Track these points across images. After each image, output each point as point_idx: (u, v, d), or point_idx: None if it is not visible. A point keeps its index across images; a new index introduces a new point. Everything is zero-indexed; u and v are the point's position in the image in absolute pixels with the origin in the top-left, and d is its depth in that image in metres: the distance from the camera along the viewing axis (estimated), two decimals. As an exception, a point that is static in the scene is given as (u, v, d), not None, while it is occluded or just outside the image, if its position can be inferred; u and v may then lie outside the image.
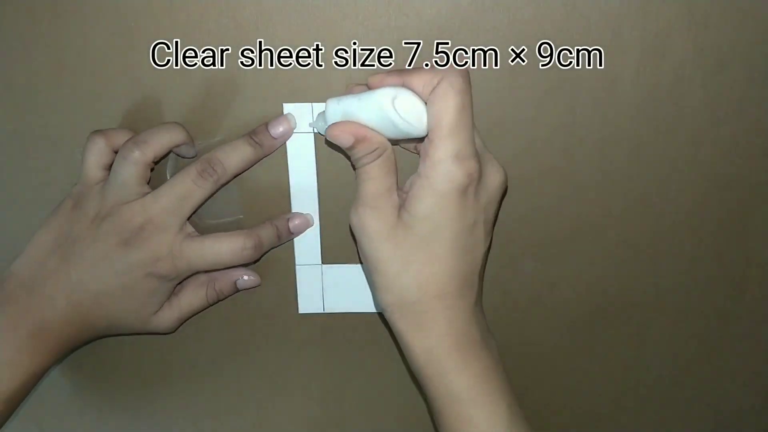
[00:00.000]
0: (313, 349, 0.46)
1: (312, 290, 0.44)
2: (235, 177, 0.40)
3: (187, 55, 0.39)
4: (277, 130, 0.40)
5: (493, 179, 0.36)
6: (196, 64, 0.40)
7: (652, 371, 0.46)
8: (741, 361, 0.46)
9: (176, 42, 0.39)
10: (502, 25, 0.39)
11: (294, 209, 0.42)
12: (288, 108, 0.40)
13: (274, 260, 0.43)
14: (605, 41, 0.39)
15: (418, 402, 0.47)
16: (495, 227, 0.42)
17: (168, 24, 0.39)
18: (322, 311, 0.45)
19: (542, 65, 0.39)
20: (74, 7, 0.39)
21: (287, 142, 0.41)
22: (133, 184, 0.38)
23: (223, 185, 0.40)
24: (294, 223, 0.42)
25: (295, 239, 0.43)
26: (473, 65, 0.39)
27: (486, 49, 0.39)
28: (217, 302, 0.43)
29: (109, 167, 0.39)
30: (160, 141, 0.39)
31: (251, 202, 0.42)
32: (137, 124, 0.40)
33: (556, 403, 0.47)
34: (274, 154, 0.41)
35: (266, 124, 0.40)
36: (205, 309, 0.43)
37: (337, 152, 0.41)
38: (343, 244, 0.43)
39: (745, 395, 0.47)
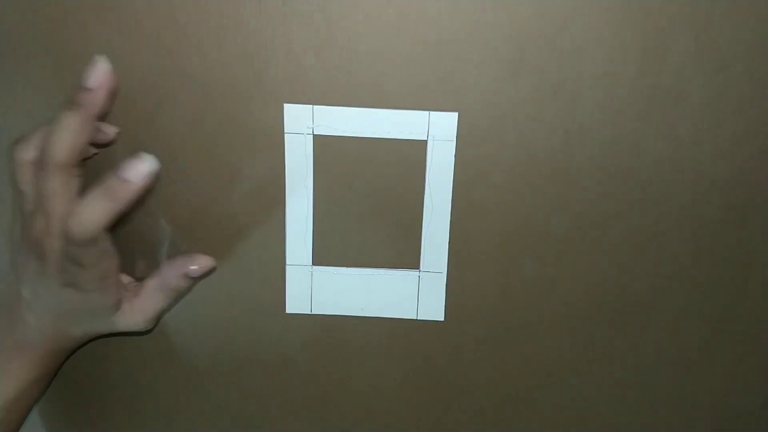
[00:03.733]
0: (300, 349, 0.46)
1: (300, 291, 0.44)
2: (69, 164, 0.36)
3: (187, 55, 0.39)
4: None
5: None
6: (196, 64, 0.40)
7: (652, 371, 0.46)
8: (742, 362, 0.46)
9: (176, 42, 0.39)
10: (502, 24, 0.39)
11: (288, 208, 0.42)
12: (288, 108, 0.40)
13: (264, 259, 0.43)
14: (605, 41, 0.39)
15: (405, 403, 0.47)
16: (496, 228, 0.43)
17: (168, 24, 0.39)
18: (310, 312, 0.45)
19: (542, 65, 0.39)
20: (74, 7, 0.39)
21: (286, 141, 0.41)
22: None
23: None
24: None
25: (288, 239, 0.43)
26: (474, 65, 0.39)
27: (486, 49, 0.39)
28: (183, 296, 0.43)
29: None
30: (63, 148, 0.35)
31: (247, 200, 0.42)
32: (137, 123, 0.40)
33: (556, 403, 0.47)
34: (273, 152, 0.41)
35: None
36: (176, 304, 0.43)
37: (335, 155, 0.41)
38: (334, 246, 0.43)
39: (746, 396, 0.47)
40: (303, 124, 0.41)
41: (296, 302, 0.45)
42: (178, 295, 0.42)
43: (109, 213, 0.35)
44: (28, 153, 0.37)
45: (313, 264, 0.44)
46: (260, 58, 0.39)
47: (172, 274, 0.41)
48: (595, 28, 0.39)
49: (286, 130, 0.41)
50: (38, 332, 0.39)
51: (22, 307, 0.38)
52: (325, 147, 0.41)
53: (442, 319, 0.45)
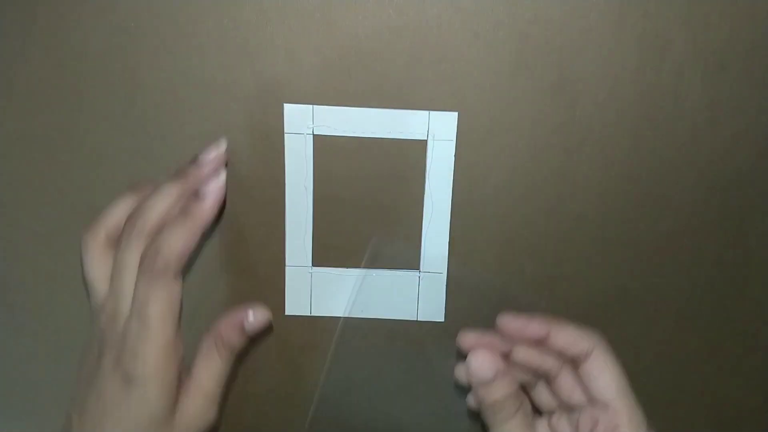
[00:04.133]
0: (299, 351, 0.46)
1: (300, 292, 0.44)
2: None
3: (187, 55, 0.39)
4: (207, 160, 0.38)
5: None
6: (196, 64, 0.40)
7: (651, 371, 0.46)
8: (741, 361, 0.46)
9: (176, 42, 0.39)
10: (502, 24, 0.39)
11: (288, 209, 0.42)
12: (288, 108, 0.40)
13: (264, 260, 0.43)
14: (605, 41, 0.39)
15: (405, 405, 0.47)
16: (496, 228, 0.43)
17: (168, 24, 0.39)
18: (309, 314, 0.45)
19: (542, 65, 0.39)
20: (74, 7, 0.39)
21: (286, 141, 0.41)
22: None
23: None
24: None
25: (287, 240, 0.43)
26: (474, 65, 0.39)
27: (486, 49, 0.39)
28: (236, 357, 0.40)
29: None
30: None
31: (245, 200, 0.42)
32: (136, 124, 0.40)
33: (556, 404, 0.47)
34: (272, 152, 0.41)
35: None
36: (229, 374, 0.40)
37: (335, 155, 0.41)
38: (334, 247, 0.43)
39: (745, 395, 0.47)
40: (303, 124, 0.41)
41: (296, 304, 0.44)
42: (231, 357, 0.39)
43: (192, 235, 0.36)
44: (98, 238, 0.37)
45: (313, 265, 0.44)
46: (260, 58, 0.39)
47: (226, 328, 0.39)
48: (594, 28, 0.39)
49: (286, 130, 0.41)
50: None
51: None
52: (325, 147, 0.41)
53: (443, 320, 0.44)
